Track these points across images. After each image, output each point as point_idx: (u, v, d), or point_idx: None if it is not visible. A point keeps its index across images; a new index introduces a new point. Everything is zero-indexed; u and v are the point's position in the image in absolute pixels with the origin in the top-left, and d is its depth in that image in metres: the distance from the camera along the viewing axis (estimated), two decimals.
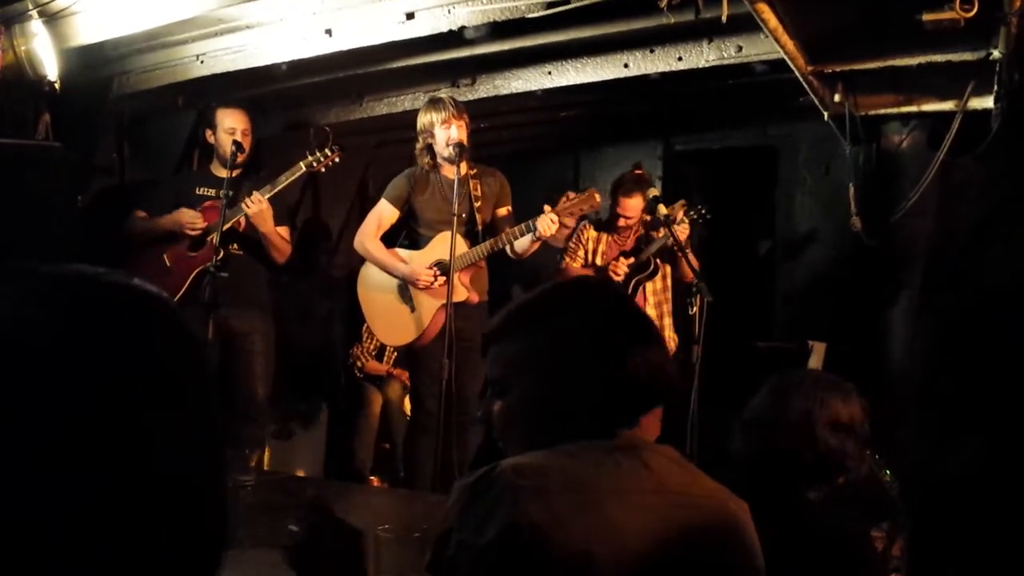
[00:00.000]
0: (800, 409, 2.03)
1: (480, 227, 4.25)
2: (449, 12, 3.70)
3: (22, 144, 4.35)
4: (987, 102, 3.71)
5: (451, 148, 4.12)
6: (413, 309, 4.26)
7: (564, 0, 3.48)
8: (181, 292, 4.27)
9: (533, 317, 1.47)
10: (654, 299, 4.86)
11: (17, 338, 0.76)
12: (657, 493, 1.32)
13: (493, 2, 3.61)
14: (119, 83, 4.76)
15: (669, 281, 4.89)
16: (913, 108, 4.10)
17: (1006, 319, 0.66)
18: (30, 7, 4.00)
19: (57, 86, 4.28)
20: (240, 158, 4.35)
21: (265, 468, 4.69)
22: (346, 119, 5.33)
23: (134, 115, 5.08)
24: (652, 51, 4.12)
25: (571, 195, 4.07)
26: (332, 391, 5.57)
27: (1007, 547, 0.66)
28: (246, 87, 4.75)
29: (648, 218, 4.85)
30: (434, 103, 4.24)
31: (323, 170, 4.41)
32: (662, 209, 4.52)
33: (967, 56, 3.47)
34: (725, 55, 3.93)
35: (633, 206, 4.84)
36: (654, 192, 4.70)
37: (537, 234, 4.00)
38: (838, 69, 3.80)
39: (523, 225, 4.07)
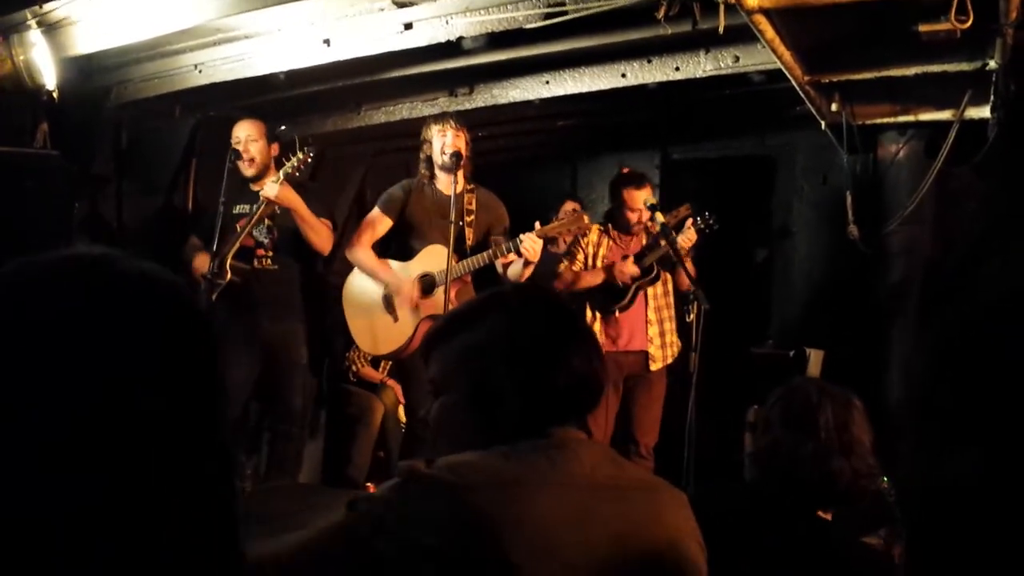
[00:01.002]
0: (825, 441, 1.97)
1: (470, 242, 4.26)
2: (447, 22, 3.71)
3: (20, 153, 4.35)
4: (983, 112, 3.72)
5: (447, 156, 4.14)
6: (396, 320, 4.27)
7: (561, 11, 3.49)
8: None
9: (468, 320, 1.51)
10: (654, 304, 4.83)
11: (15, 333, 0.76)
12: (587, 486, 1.34)
13: (491, 12, 3.62)
14: (117, 92, 4.77)
15: (671, 286, 4.87)
16: (910, 118, 4.12)
17: (1004, 330, 0.67)
18: (29, 17, 4.00)
19: (55, 95, 4.28)
20: (249, 167, 4.37)
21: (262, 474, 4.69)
22: (344, 128, 5.34)
23: (132, 124, 5.08)
24: (650, 61, 4.13)
25: (560, 216, 4.09)
26: (330, 399, 5.57)
27: (1005, 556, 0.66)
28: (244, 97, 4.76)
29: (651, 224, 4.81)
30: (437, 116, 4.37)
31: (297, 174, 4.34)
32: (660, 217, 4.52)
33: (963, 66, 3.48)
34: (722, 65, 3.94)
35: (637, 197, 4.77)
36: (652, 200, 4.70)
37: (523, 257, 4.01)
38: (835, 79, 3.82)
39: (508, 244, 4.08)
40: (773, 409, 2.07)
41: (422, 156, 4.34)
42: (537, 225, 4.05)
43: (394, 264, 4.36)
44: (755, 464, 2.11)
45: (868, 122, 4.17)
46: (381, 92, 4.93)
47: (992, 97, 3.54)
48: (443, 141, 4.20)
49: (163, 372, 0.80)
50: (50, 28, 4.07)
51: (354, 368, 5.65)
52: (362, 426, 5.48)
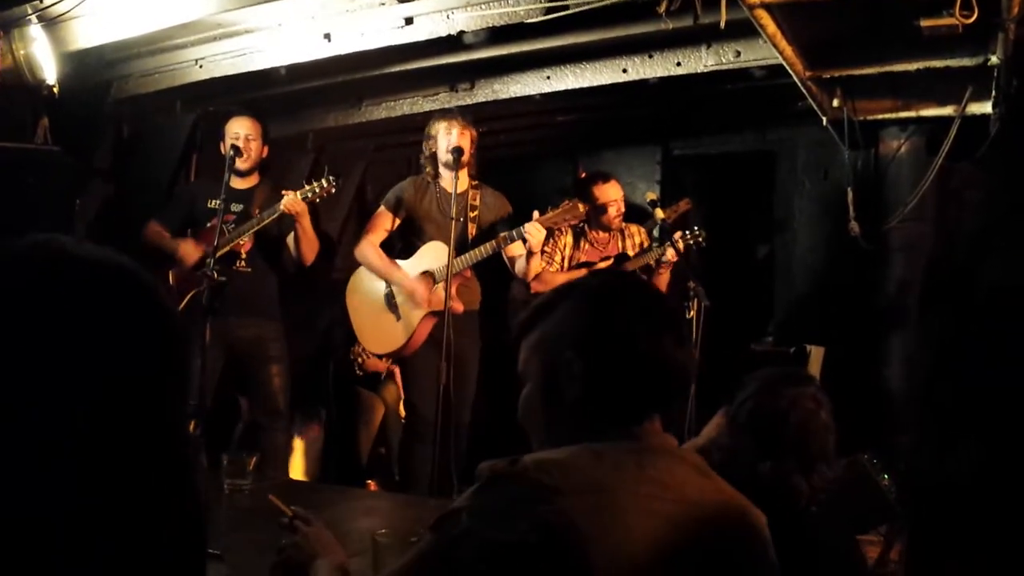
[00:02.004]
0: (785, 459, 1.94)
1: (472, 238, 4.26)
2: (448, 17, 3.70)
3: (21, 148, 4.35)
4: (985, 107, 3.72)
5: (450, 153, 4.13)
6: (399, 318, 4.27)
7: (562, 5, 3.49)
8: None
9: (547, 309, 1.46)
10: None
11: None
12: (676, 502, 1.29)
13: (492, 7, 3.61)
14: (118, 87, 4.76)
15: (663, 287, 4.84)
16: (911, 113, 4.11)
17: (1006, 325, 0.67)
18: (29, 11, 4.00)
19: (56, 90, 4.28)
20: (242, 164, 4.34)
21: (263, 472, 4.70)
22: (345, 123, 5.33)
23: (133, 119, 5.07)
24: (651, 56, 4.13)
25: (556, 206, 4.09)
26: (331, 396, 5.57)
27: (1006, 552, 0.66)
28: (245, 91, 4.76)
29: (626, 225, 4.77)
30: (442, 112, 4.34)
31: (317, 200, 4.24)
32: (660, 213, 4.51)
33: (965, 62, 3.48)
34: (724, 60, 3.93)
35: (612, 190, 4.73)
36: (652, 195, 4.69)
37: (528, 244, 4.01)
38: (836, 74, 3.81)
39: (511, 233, 4.08)
40: (741, 409, 2.03)
41: (426, 152, 4.31)
42: (536, 214, 4.05)
43: (399, 263, 4.36)
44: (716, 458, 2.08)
45: (869, 118, 4.17)
46: (382, 87, 4.93)
47: (994, 93, 3.54)
48: (448, 139, 4.18)
49: (129, 360, 0.79)
50: (50, 23, 4.06)
51: (359, 360, 5.64)
52: (363, 424, 5.49)
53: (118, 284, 0.81)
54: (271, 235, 4.36)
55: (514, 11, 3.58)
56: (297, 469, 5.12)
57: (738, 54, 3.89)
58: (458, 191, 4.07)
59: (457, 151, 4.11)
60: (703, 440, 2.12)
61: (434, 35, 3.78)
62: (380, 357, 5.62)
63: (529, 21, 3.61)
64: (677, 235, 4.53)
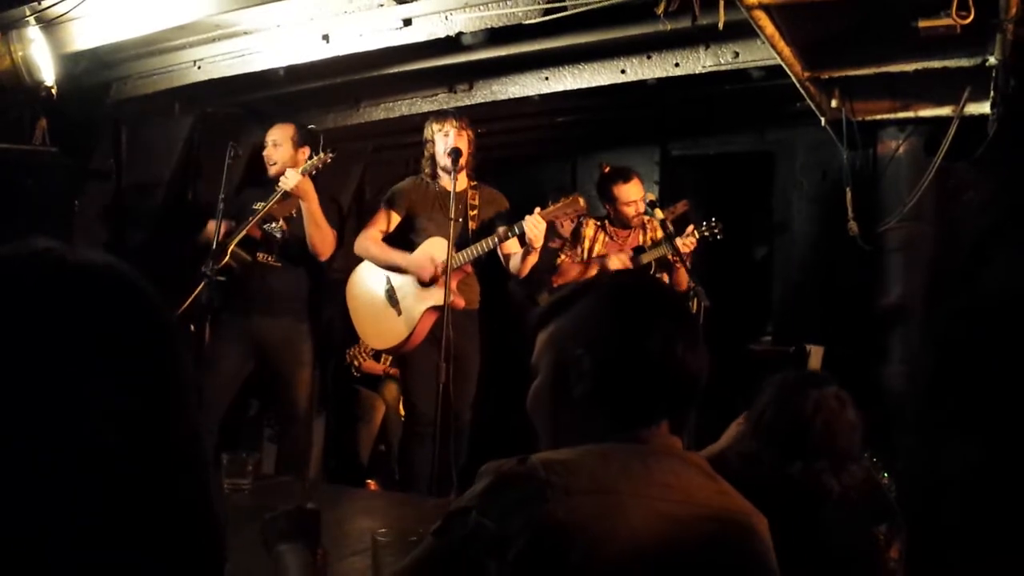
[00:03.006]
0: (814, 460, 1.94)
1: (472, 237, 4.26)
2: (446, 18, 3.70)
3: (19, 150, 4.35)
4: (983, 108, 3.72)
5: (448, 156, 4.14)
6: (400, 313, 4.27)
7: (561, 7, 3.49)
8: (185, 304, 4.26)
9: (563, 304, 1.46)
10: None
11: None
12: (682, 503, 1.29)
13: (490, 8, 3.61)
14: (116, 88, 4.76)
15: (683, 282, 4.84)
16: (910, 114, 4.11)
17: (1005, 324, 0.67)
18: (27, 13, 3.99)
19: (54, 91, 4.27)
20: (272, 170, 4.41)
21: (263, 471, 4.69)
22: (343, 124, 5.33)
23: (131, 121, 5.07)
24: (649, 57, 4.13)
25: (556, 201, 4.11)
26: (331, 395, 5.57)
27: (1003, 548, 0.66)
28: (243, 93, 4.76)
29: (648, 220, 4.78)
30: (438, 114, 4.35)
31: (315, 172, 4.30)
32: (659, 213, 4.51)
33: (963, 62, 3.48)
34: (722, 61, 3.94)
35: (632, 190, 4.76)
36: (651, 196, 4.69)
37: (527, 238, 4.01)
38: (835, 75, 3.82)
39: (510, 228, 4.08)
40: (764, 415, 2.02)
41: (425, 154, 4.34)
42: (538, 209, 4.05)
43: None
44: (736, 465, 2.06)
45: (868, 118, 4.17)
46: (380, 88, 4.93)
47: (992, 93, 3.54)
48: (445, 142, 4.20)
49: (119, 366, 0.78)
50: (49, 24, 4.06)
51: (356, 363, 5.65)
52: (363, 423, 5.49)
53: (115, 292, 0.81)
54: (301, 237, 4.36)
55: (512, 12, 3.59)
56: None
57: (736, 55, 3.89)
58: (457, 190, 4.07)
59: (455, 152, 4.12)
60: (719, 448, 2.11)
61: (432, 36, 3.78)
62: (381, 353, 5.60)
63: (527, 22, 3.61)
64: (691, 227, 4.53)
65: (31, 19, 4.04)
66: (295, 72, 4.32)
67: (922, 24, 2.99)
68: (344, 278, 4.59)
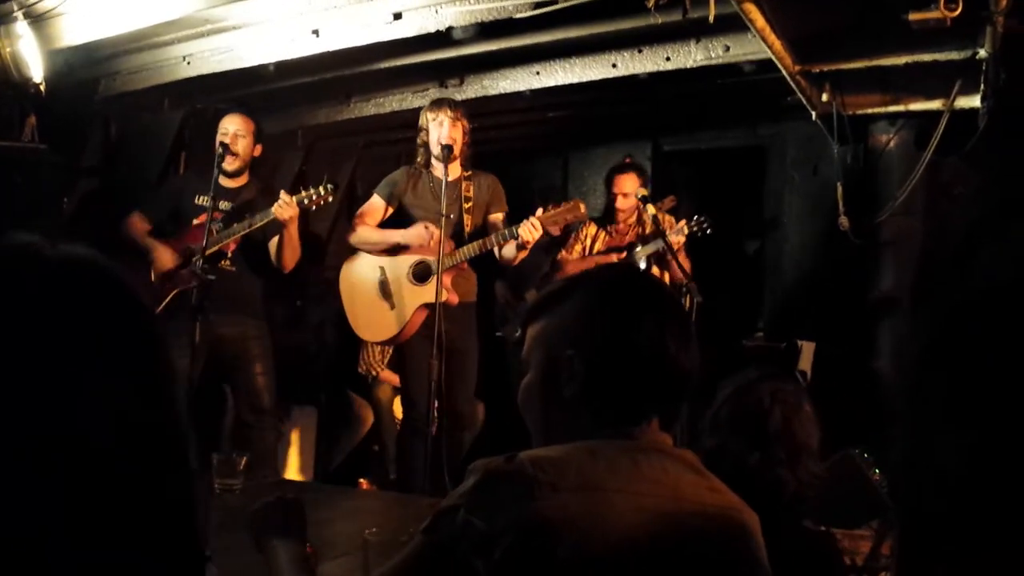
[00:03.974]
0: (772, 451, 1.95)
1: (469, 229, 4.24)
2: (436, 12, 3.69)
3: (8, 146, 4.33)
4: (974, 101, 3.73)
5: (441, 147, 4.12)
6: (392, 307, 4.25)
7: (551, 0, 3.48)
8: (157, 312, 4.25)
9: (553, 299, 1.45)
10: None
11: None
12: (671, 500, 1.29)
13: (480, 2, 3.60)
14: (105, 85, 4.74)
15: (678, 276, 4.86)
16: (900, 107, 4.12)
17: (998, 318, 0.66)
18: (15, 8, 3.97)
19: (43, 88, 4.25)
20: (231, 164, 4.31)
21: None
22: (334, 120, 5.31)
23: (121, 117, 5.05)
24: (640, 51, 4.12)
25: (557, 204, 4.09)
26: (322, 394, 5.55)
27: (997, 545, 0.66)
28: (233, 88, 4.74)
29: (643, 213, 4.80)
30: (434, 102, 4.30)
31: (313, 208, 4.25)
32: (651, 209, 4.51)
33: (953, 55, 3.48)
34: (713, 55, 3.93)
35: (627, 181, 4.81)
36: (643, 192, 4.69)
37: (520, 240, 4.00)
38: (825, 69, 3.82)
39: (507, 231, 4.06)
40: (723, 409, 2.03)
41: (419, 142, 4.29)
42: (540, 211, 4.03)
43: (389, 255, 4.34)
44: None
45: (859, 112, 4.17)
46: (370, 83, 4.92)
47: (982, 86, 3.55)
48: (439, 131, 4.17)
49: (108, 361, 0.77)
50: (37, 20, 4.04)
51: (373, 372, 5.58)
52: (353, 422, 5.47)
53: (95, 285, 0.80)
54: (256, 236, 4.32)
55: (503, 6, 3.57)
56: (288, 468, 5.11)
57: (727, 49, 3.89)
58: (450, 180, 4.05)
59: (447, 148, 4.10)
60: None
61: (423, 31, 3.76)
62: (376, 345, 5.54)
63: (518, 16, 3.60)
64: (683, 222, 4.55)
65: (19, 15, 4.02)
66: (285, 67, 4.30)
67: (912, 17, 2.99)
68: (334, 276, 4.57)
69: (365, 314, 4.36)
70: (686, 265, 4.40)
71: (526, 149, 6.91)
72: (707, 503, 1.33)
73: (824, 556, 2.00)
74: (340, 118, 5.29)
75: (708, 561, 1.30)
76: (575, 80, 4.39)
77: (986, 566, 0.67)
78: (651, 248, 4.68)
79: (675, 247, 4.43)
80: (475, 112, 4.68)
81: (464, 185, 4.27)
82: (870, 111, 4.20)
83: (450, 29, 3.75)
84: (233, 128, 4.33)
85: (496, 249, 4.17)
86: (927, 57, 3.54)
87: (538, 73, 4.49)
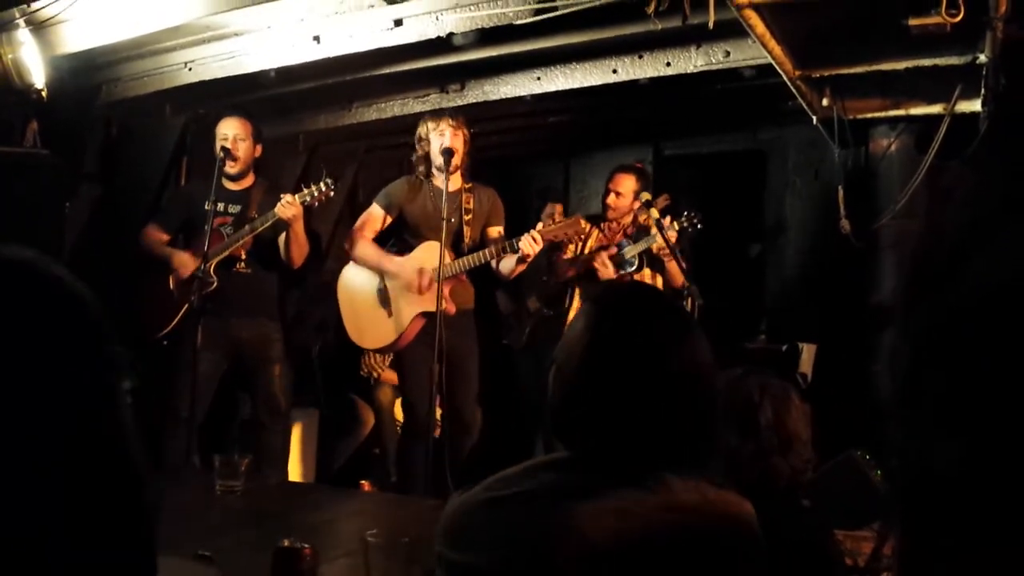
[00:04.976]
0: (765, 441, 2.00)
1: (467, 241, 4.25)
2: (437, 19, 3.70)
3: (10, 152, 4.33)
4: (974, 105, 3.73)
5: (442, 155, 4.12)
6: (390, 315, 4.25)
7: (551, 7, 3.49)
8: (173, 324, 4.32)
9: (579, 314, 1.49)
10: None
11: None
12: (665, 497, 1.31)
13: (481, 8, 3.61)
14: (107, 91, 4.75)
15: (660, 284, 4.86)
16: (901, 112, 4.12)
17: (993, 320, 0.67)
18: (17, 15, 3.98)
19: (44, 94, 4.26)
20: (231, 166, 4.33)
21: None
22: (335, 125, 5.32)
23: (122, 123, 5.06)
24: (641, 56, 4.13)
25: (557, 218, 4.11)
26: (322, 397, 5.55)
27: (997, 545, 0.66)
28: (234, 94, 4.74)
29: (637, 213, 4.82)
30: (433, 113, 4.32)
31: (316, 205, 4.29)
32: (654, 213, 4.52)
33: (954, 60, 3.49)
34: (713, 60, 3.94)
35: (624, 181, 4.83)
36: (647, 196, 4.70)
37: (521, 253, 4.01)
38: (826, 73, 3.82)
39: (506, 244, 4.07)
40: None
41: (419, 153, 4.28)
42: (540, 226, 4.04)
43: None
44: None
45: (859, 116, 4.18)
46: (372, 89, 4.92)
47: (983, 91, 3.55)
48: (440, 140, 4.17)
49: (43, 361, 0.74)
50: (39, 26, 4.05)
51: (375, 374, 5.59)
52: (354, 424, 5.48)
53: (20, 282, 0.78)
54: (268, 236, 4.35)
55: (503, 12, 3.58)
56: (291, 470, 5.11)
57: (727, 54, 3.89)
58: (451, 190, 4.06)
59: (448, 152, 4.10)
60: None
61: (423, 37, 3.77)
62: (374, 352, 5.55)
63: (518, 22, 3.60)
64: (667, 220, 4.54)
65: (21, 21, 4.02)
66: (286, 73, 4.31)
67: (913, 22, 3.00)
68: (335, 280, 4.57)
69: (363, 321, 4.37)
70: (685, 265, 4.41)
71: (527, 154, 6.92)
72: (703, 498, 1.35)
73: (821, 543, 2.02)
74: (342, 123, 5.29)
75: (706, 553, 1.31)
76: (576, 85, 4.39)
77: (987, 564, 0.67)
78: (641, 246, 4.68)
79: (664, 247, 4.44)
80: (476, 117, 4.69)
81: (464, 196, 4.27)
82: (871, 115, 4.20)
83: (451, 35, 3.76)
84: (232, 132, 4.35)
85: (494, 261, 4.18)
86: (927, 62, 3.55)
87: (539, 78, 4.50)
